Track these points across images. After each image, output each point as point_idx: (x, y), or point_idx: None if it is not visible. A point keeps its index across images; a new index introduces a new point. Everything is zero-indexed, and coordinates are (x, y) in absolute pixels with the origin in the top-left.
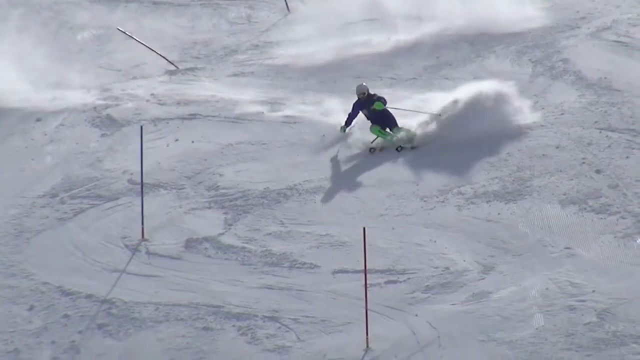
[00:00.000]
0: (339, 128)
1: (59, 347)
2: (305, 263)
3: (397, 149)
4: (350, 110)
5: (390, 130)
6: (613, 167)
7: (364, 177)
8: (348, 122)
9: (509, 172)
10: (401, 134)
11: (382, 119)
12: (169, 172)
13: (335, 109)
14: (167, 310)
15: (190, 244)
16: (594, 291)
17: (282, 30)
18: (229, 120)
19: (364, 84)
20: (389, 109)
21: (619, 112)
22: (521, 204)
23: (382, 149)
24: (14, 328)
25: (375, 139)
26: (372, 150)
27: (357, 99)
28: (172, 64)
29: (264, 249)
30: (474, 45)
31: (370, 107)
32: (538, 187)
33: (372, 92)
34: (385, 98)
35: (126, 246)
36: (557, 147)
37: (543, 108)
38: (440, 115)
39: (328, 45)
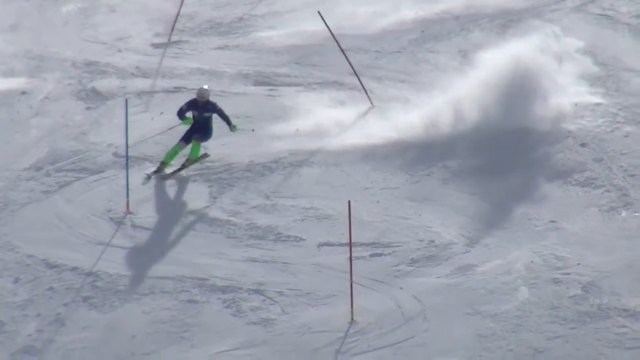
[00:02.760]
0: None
1: (44, 319)
2: (290, 236)
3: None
4: (183, 104)
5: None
6: (598, 141)
7: (349, 151)
8: (179, 114)
9: (494, 146)
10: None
11: (204, 129)
12: (154, 145)
13: (320, 82)
14: (152, 283)
15: (175, 217)
16: (578, 264)
17: (267, 3)
18: (213, 94)
19: (207, 88)
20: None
21: (604, 85)
22: (506, 177)
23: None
24: None
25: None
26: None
27: (194, 98)
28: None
29: (249, 222)
30: (459, 19)
31: (203, 113)
32: (523, 161)
33: (212, 99)
34: (221, 109)
35: (111, 219)
36: (541, 121)
37: None
38: (253, 130)
39: (313, 18)
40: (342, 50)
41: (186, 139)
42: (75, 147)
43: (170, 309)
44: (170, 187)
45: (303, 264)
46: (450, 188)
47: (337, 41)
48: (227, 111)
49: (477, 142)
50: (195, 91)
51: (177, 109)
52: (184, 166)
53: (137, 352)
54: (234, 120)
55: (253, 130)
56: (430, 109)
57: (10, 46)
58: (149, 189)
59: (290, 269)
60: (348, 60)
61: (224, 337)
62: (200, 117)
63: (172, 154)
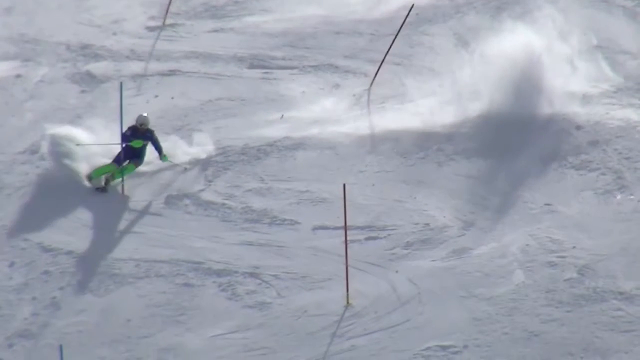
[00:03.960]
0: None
1: (40, 303)
2: (285, 219)
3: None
4: (126, 129)
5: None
6: (593, 124)
7: (344, 134)
8: (123, 140)
9: (489, 129)
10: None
11: (139, 155)
12: None
13: (314, 64)
14: (148, 266)
15: (170, 200)
16: (574, 247)
17: None
18: (208, 77)
19: (146, 115)
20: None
21: (599, 68)
22: (501, 160)
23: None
24: None
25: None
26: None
27: (134, 125)
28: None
29: (244, 205)
30: (453, 1)
31: (139, 139)
32: (518, 143)
33: (152, 127)
34: (157, 138)
35: (107, 203)
36: (536, 104)
37: None
38: (282, 116)
39: (308, 2)
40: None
41: (118, 161)
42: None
43: (165, 293)
44: (165, 171)
45: (298, 247)
46: (446, 171)
47: None
48: (221, 94)
49: (472, 125)
50: (137, 118)
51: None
52: (108, 181)
53: (133, 335)
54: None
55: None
56: (426, 92)
57: (4, 29)
58: (144, 173)
59: (285, 253)
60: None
61: (219, 321)
62: (133, 145)
63: (101, 171)
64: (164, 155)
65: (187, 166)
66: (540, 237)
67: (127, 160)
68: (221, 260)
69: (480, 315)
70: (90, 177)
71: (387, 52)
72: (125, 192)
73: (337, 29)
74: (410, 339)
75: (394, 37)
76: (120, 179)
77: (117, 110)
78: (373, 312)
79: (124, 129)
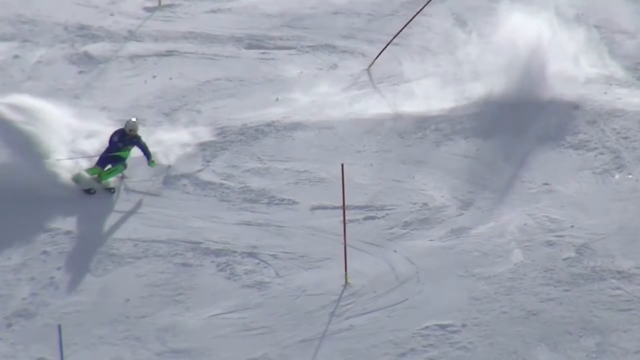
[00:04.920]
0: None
1: (38, 283)
2: (283, 199)
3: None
4: (114, 135)
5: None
6: (591, 103)
7: (342, 114)
8: (112, 145)
9: (487, 109)
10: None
11: (122, 159)
12: (146, 108)
13: (312, 45)
14: (146, 246)
15: (169, 180)
16: (572, 227)
17: None
18: (206, 57)
19: (135, 121)
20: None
21: (596, 48)
22: (499, 139)
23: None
24: None
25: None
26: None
27: (122, 129)
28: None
29: (243, 185)
30: None
31: (128, 144)
32: (516, 122)
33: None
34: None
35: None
36: (534, 84)
37: None
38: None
39: None
40: None
41: (102, 164)
42: (68, 110)
43: (164, 273)
44: (164, 151)
45: (297, 227)
46: (444, 151)
47: None
48: (219, 75)
49: (470, 105)
50: (125, 123)
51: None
52: (97, 181)
53: (131, 315)
54: None
55: (277, 99)
56: (423, 72)
57: (2, 10)
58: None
59: (284, 232)
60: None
61: (218, 300)
62: (124, 149)
63: (91, 172)
64: (152, 161)
65: (171, 164)
66: (539, 216)
67: (109, 165)
68: (219, 240)
69: (479, 294)
70: (76, 180)
71: (398, 32)
72: (124, 172)
73: (334, 9)
74: (409, 318)
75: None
76: (109, 180)
77: (115, 91)
78: (371, 291)
79: (123, 107)
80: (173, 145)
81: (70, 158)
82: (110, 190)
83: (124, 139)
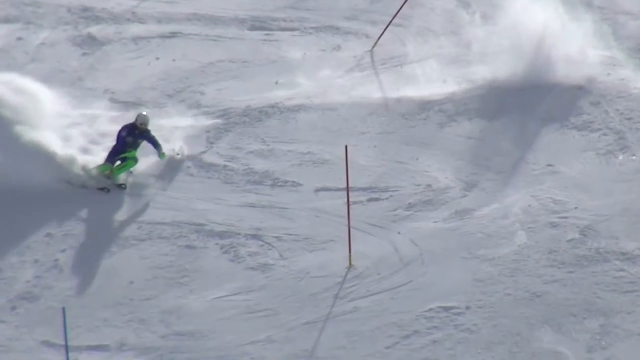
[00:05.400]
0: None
1: (42, 265)
2: (287, 181)
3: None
4: (122, 130)
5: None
6: (594, 84)
7: (346, 95)
8: (120, 141)
9: (491, 90)
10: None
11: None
12: (150, 90)
13: (315, 26)
14: (150, 228)
15: (172, 162)
16: (576, 208)
17: None
18: (209, 39)
19: (146, 114)
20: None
21: (599, 29)
22: (503, 120)
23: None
24: None
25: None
26: (122, 186)
27: (133, 123)
28: None
29: (246, 167)
30: None
31: (138, 139)
32: (519, 104)
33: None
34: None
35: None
36: (538, 65)
37: None
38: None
39: None
40: None
41: (112, 160)
42: (71, 92)
43: (168, 255)
44: (167, 133)
45: (300, 209)
46: (448, 132)
47: None
48: (222, 56)
49: (474, 86)
50: (136, 116)
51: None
52: (108, 177)
53: (136, 297)
54: None
55: (277, 82)
56: (427, 54)
57: None
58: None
59: (287, 214)
60: None
61: (222, 283)
62: (134, 143)
63: (102, 169)
64: (162, 153)
65: (179, 154)
66: (542, 198)
67: (118, 161)
68: (223, 222)
69: (483, 276)
70: (111, 175)
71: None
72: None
73: None
74: (413, 301)
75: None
76: (120, 175)
77: (119, 73)
78: (375, 273)
79: (126, 89)
80: (176, 128)
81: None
82: (121, 186)
83: (134, 133)
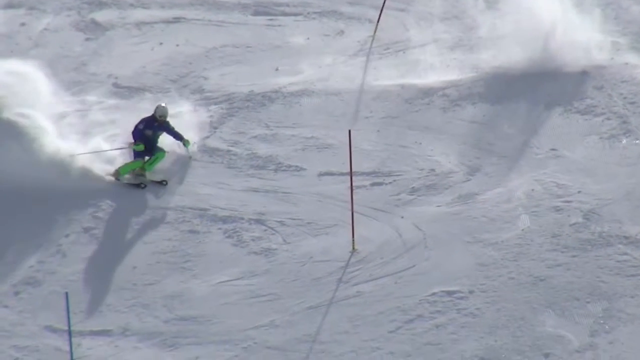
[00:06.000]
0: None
1: (46, 250)
2: (291, 166)
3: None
4: (139, 123)
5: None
6: (598, 69)
7: (349, 80)
8: (138, 137)
9: (494, 74)
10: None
11: (154, 147)
12: (154, 75)
13: (319, 11)
14: (153, 213)
15: (176, 147)
16: (579, 192)
17: None
18: (213, 24)
19: (165, 106)
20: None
21: (603, 13)
22: (506, 105)
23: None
24: None
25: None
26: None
27: (152, 116)
28: None
29: (250, 152)
30: None
31: (158, 131)
32: (523, 88)
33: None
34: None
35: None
36: (541, 49)
37: None
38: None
39: None
40: None
41: (140, 156)
42: (75, 78)
43: (171, 240)
44: (171, 118)
45: (304, 193)
46: (451, 117)
47: None
48: (226, 41)
49: (477, 70)
50: (155, 109)
51: (132, 127)
52: (142, 175)
53: (139, 282)
54: None
55: (277, 69)
56: (430, 38)
57: None
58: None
59: (291, 199)
60: None
61: (225, 267)
62: (154, 136)
63: (127, 168)
64: (187, 141)
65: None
66: (546, 182)
67: (146, 157)
68: (226, 207)
69: (486, 260)
70: (118, 175)
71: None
72: (131, 139)
73: None
74: (416, 285)
75: None
76: (153, 169)
77: (122, 58)
78: (379, 258)
79: (130, 74)
80: (181, 114)
81: (86, 153)
82: (162, 183)
83: (153, 126)
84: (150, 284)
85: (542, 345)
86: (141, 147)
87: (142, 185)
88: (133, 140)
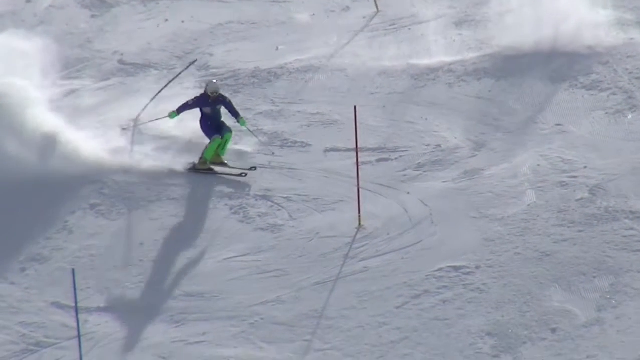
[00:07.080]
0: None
1: (52, 227)
2: (296, 142)
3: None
4: (190, 99)
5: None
6: (603, 44)
7: (355, 56)
8: (181, 110)
9: (500, 50)
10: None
11: (220, 122)
12: (159, 52)
13: None
14: (160, 190)
15: (181, 123)
16: (585, 167)
17: None
18: (218, 0)
19: (216, 81)
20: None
21: None
22: (512, 80)
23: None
24: None
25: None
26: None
27: (204, 94)
28: None
29: (255, 128)
30: None
31: (216, 107)
32: (528, 64)
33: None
34: (231, 102)
35: (118, 126)
36: (546, 24)
37: None
38: (249, 172)
39: None
40: None
41: (219, 131)
42: (80, 55)
43: (177, 216)
44: (175, 97)
45: (310, 169)
46: (457, 92)
47: None
48: (231, 18)
49: (483, 46)
50: (206, 85)
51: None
52: (223, 164)
53: (145, 259)
54: None
55: (277, 48)
56: (436, 14)
57: None
58: (153, 100)
59: (297, 175)
60: None
61: (231, 243)
62: (213, 113)
63: (212, 150)
64: (242, 118)
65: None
66: (552, 157)
67: (217, 135)
68: (232, 183)
69: (492, 235)
70: (205, 163)
71: None
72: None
73: None
74: (423, 260)
75: None
76: (225, 153)
77: (128, 35)
78: (385, 233)
79: (135, 51)
80: (186, 90)
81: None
82: (252, 169)
83: (208, 102)
84: (157, 261)
85: (549, 321)
86: (173, 114)
87: (244, 174)
88: (205, 122)
